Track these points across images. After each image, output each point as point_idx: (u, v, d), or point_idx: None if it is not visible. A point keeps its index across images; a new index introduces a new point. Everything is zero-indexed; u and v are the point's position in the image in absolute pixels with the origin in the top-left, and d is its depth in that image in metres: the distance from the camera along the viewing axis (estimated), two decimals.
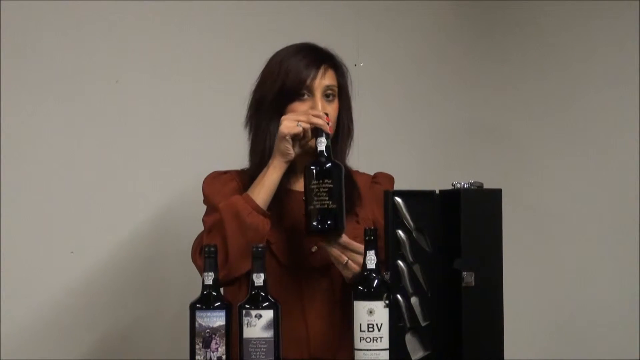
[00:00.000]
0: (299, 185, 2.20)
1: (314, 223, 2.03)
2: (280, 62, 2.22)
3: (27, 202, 2.59)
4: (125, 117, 2.73)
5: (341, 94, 2.25)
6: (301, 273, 2.19)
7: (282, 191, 2.17)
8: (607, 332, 3.10)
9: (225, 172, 2.27)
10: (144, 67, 2.75)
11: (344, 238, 2.07)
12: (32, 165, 2.60)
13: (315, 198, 2.03)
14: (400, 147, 3.23)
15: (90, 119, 2.68)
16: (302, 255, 2.19)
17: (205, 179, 2.27)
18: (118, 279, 2.71)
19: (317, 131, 2.09)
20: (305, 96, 2.19)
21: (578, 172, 3.20)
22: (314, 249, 2.19)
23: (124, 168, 2.72)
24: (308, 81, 2.18)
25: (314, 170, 2.06)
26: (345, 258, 2.07)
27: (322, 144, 2.08)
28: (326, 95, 2.21)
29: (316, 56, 2.22)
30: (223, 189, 2.22)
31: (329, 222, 2.03)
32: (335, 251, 2.07)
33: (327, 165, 2.06)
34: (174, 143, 2.79)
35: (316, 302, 2.19)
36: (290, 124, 2.10)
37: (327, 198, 2.03)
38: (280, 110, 2.19)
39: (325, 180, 2.04)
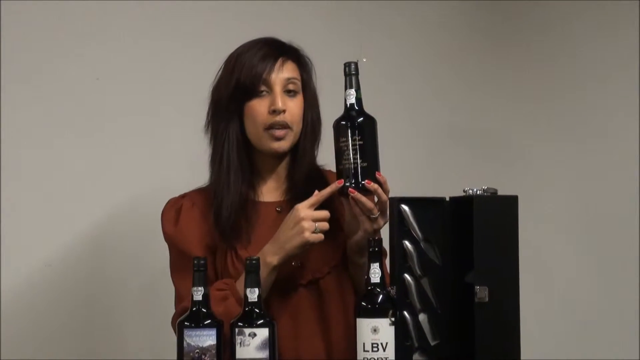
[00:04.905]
0: (270, 197, 2.11)
1: (346, 183, 1.95)
2: (235, 58, 2.09)
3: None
4: (106, 116, 2.72)
5: (305, 89, 2.11)
6: (287, 292, 2.06)
7: (249, 205, 2.05)
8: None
9: (184, 196, 2.13)
10: (126, 64, 2.75)
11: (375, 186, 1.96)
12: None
13: (345, 156, 1.94)
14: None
15: (70, 118, 2.68)
16: (285, 273, 2.05)
17: (163, 214, 2.11)
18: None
19: (346, 82, 1.97)
20: (264, 92, 2.06)
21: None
22: (297, 264, 2.07)
23: (107, 170, 2.72)
24: (264, 75, 2.04)
25: (343, 126, 1.95)
26: (377, 210, 1.97)
27: (351, 96, 1.98)
28: (287, 91, 2.07)
29: (273, 48, 2.08)
30: (188, 246, 2.05)
31: (354, 181, 1.94)
32: (369, 202, 1.95)
33: (358, 120, 1.95)
34: (160, 147, 2.78)
35: (306, 321, 2.06)
36: (311, 229, 1.94)
37: (357, 156, 1.94)
38: (238, 109, 2.07)
39: (354, 137, 1.94)
